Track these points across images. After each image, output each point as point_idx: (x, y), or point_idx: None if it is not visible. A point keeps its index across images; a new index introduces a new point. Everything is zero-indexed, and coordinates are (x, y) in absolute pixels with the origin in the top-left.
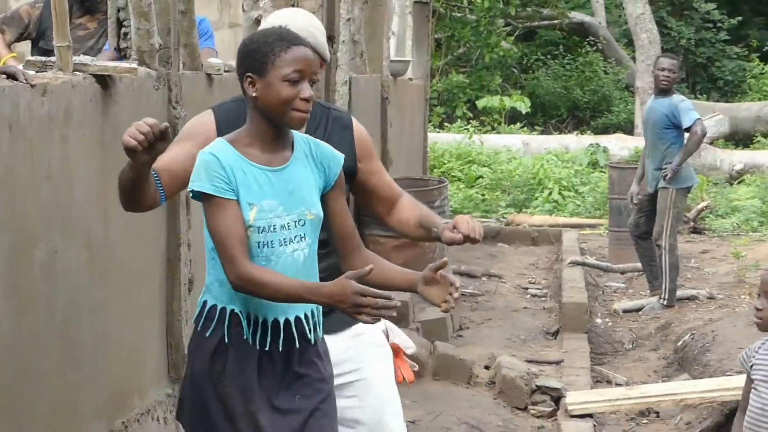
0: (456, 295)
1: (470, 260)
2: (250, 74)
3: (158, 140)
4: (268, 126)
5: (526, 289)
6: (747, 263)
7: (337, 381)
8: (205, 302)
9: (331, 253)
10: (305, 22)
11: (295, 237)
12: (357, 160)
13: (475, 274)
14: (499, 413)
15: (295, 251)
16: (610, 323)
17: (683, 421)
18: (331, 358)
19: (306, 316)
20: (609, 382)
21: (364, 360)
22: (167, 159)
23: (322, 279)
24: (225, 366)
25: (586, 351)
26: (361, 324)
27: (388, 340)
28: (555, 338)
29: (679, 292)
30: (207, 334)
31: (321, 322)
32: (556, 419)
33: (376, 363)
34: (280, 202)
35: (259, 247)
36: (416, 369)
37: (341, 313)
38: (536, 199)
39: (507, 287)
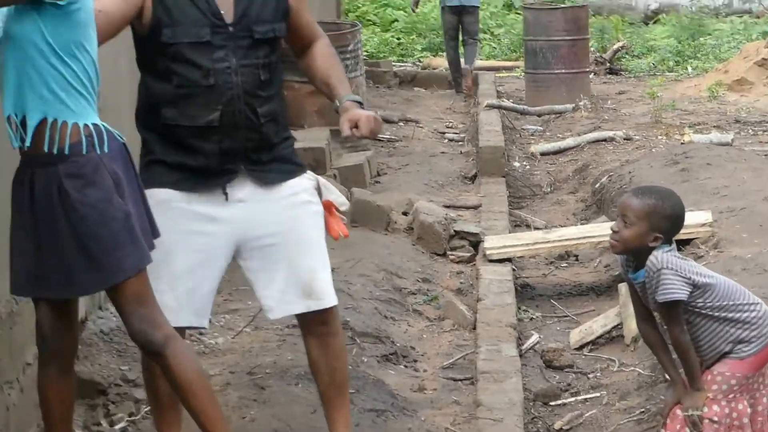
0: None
1: (387, 105)
2: None
3: None
4: None
5: (443, 133)
6: (663, 103)
7: (268, 240)
8: None
9: (272, 97)
10: None
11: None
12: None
13: (391, 119)
14: (418, 259)
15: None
16: (527, 167)
17: (602, 264)
18: (264, 217)
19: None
20: (528, 226)
21: (299, 219)
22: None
23: (262, 124)
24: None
25: (504, 195)
26: (294, 180)
27: (321, 197)
28: (473, 183)
29: (596, 134)
30: None
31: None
32: (474, 264)
33: (309, 222)
34: None
35: None
36: (345, 222)
37: (277, 166)
38: None
39: (424, 132)
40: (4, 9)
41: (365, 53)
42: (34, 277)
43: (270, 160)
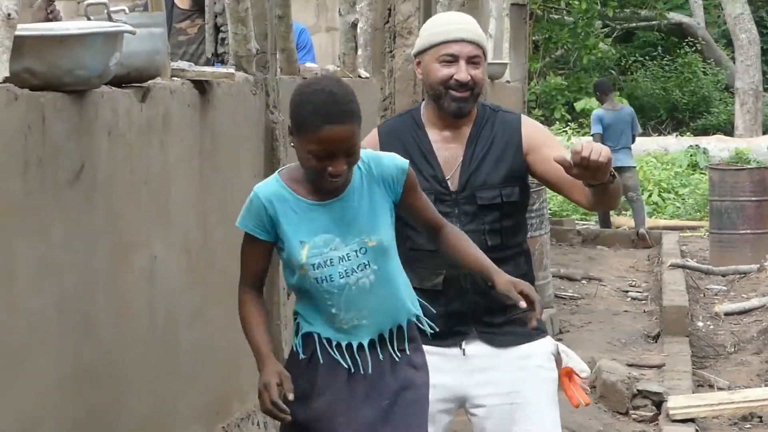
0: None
1: (570, 263)
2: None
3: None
4: None
5: (627, 292)
6: None
7: (491, 400)
8: (298, 324)
9: (505, 260)
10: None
11: (358, 266)
12: (525, 156)
13: (574, 277)
14: (600, 418)
15: (360, 279)
16: (711, 326)
17: None
18: (491, 375)
19: (383, 335)
20: (711, 386)
21: (526, 383)
22: None
23: (490, 287)
24: (314, 383)
25: (687, 355)
26: (530, 344)
27: (562, 363)
28: (656, 342)
29: None
30: (300, 356)
31: (406, 338)
32: (657, 424)
33: (538, 387)
34: (336, 235)
35: (318, 283)
36: (589, 392)
37: (512, 329)
38: None
39: (607, 290)
40: (388, 220)
41: (549, 212)
42: None
43: (503, 323)
